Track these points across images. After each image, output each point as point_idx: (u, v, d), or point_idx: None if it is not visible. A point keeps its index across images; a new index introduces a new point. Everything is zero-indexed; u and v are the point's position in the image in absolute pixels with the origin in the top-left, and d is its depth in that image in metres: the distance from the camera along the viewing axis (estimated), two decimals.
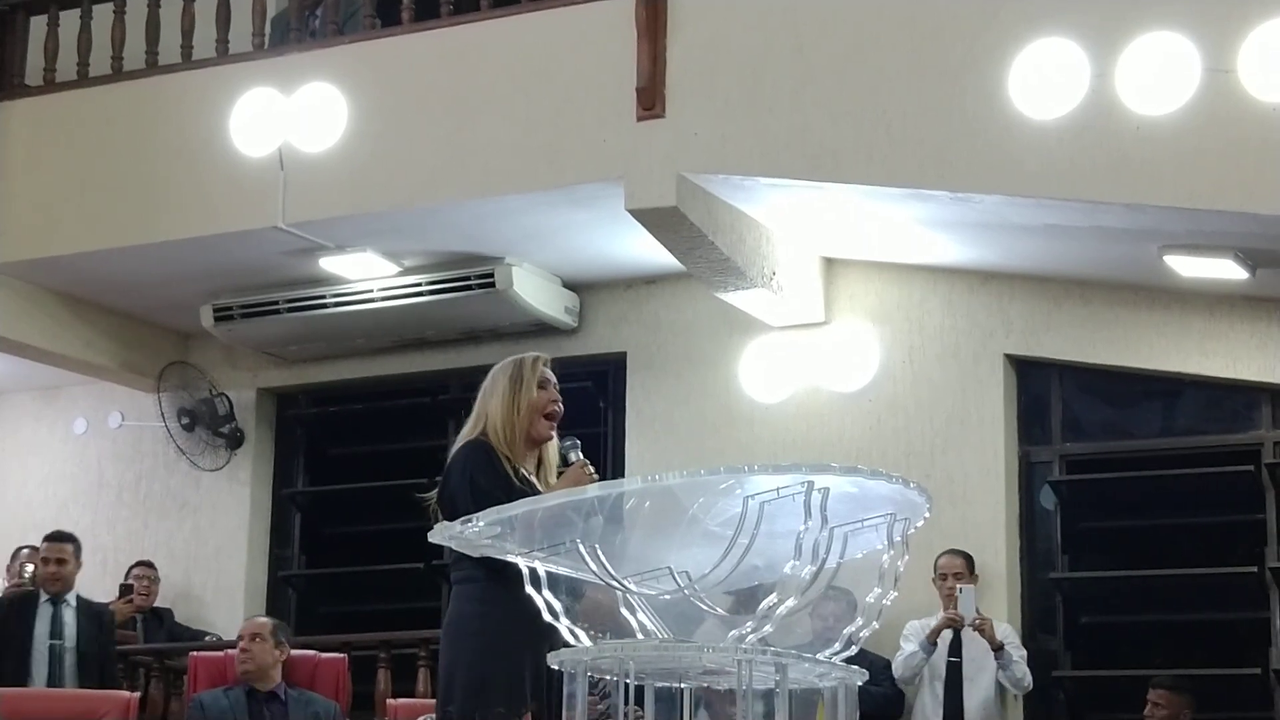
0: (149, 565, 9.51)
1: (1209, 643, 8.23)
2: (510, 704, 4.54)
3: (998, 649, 7.63)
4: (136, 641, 8.95)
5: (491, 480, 4.64)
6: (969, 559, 7.90)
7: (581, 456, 4.79)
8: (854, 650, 3.41)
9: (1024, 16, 6.96)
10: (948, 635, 7.76)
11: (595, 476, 4.71)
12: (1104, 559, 8.53)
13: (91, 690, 7.48)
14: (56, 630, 7.82)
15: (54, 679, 7.71)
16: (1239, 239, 7.07)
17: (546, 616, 3.46)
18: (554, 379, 4.95)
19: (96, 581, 9.85)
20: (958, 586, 7.67)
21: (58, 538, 8.13)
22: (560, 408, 4.90)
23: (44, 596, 7.95)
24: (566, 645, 3.45)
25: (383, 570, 9.57)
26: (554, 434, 4.88)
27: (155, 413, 9.84)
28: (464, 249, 8.59)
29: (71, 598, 7.99)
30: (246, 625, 7.38)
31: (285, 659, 7.15)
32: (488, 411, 4.84)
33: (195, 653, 7.75)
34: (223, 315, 9.26)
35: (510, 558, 3.55)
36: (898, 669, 7.74)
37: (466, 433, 4.86)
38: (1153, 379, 8.22)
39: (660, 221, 7.59)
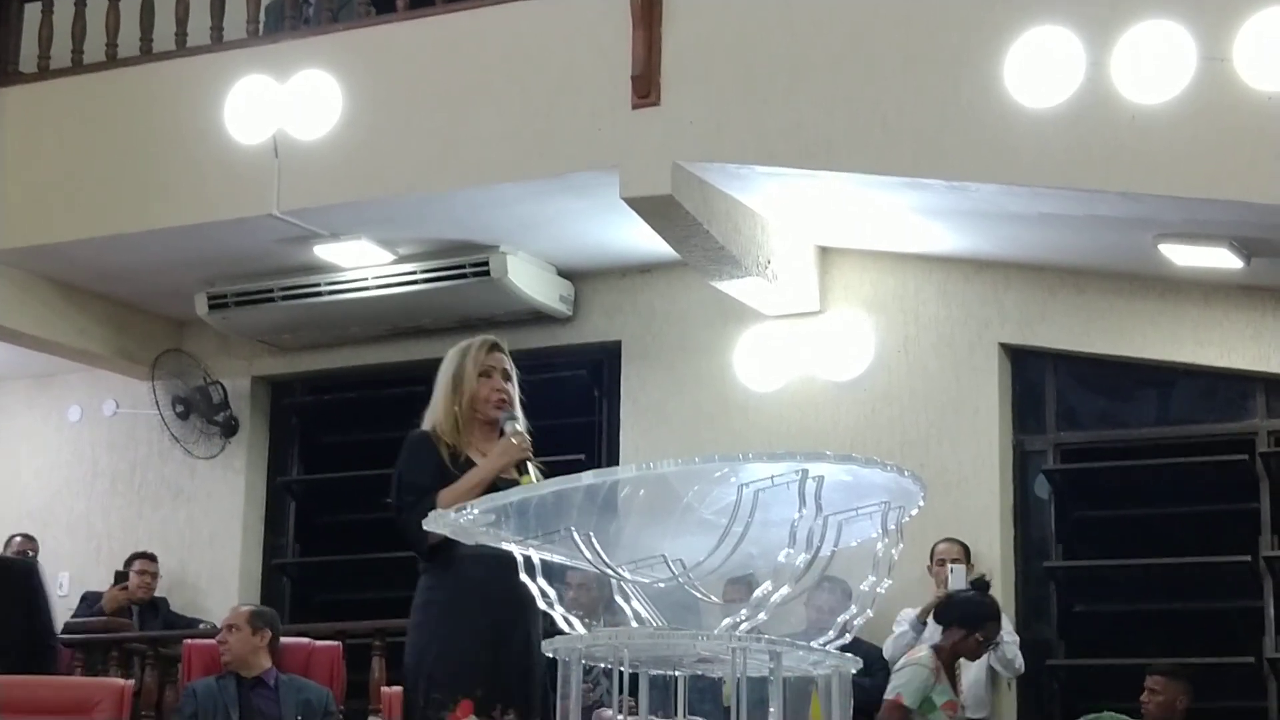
0: (151, 558, 9.46)
1: (1203, 632, 8.23)
2: (448, 690, 4.53)
3: None
4: (132, 629, 8.95)
5: (415, 474, 4.70)
6: (965, 548, 7.91)
7: (516, 428, 4.74)
8: (848, 639, 3.40)
9: (1019, 5, 6.96)
10: None
11: (525, 447, 4.68)
12: (1098, 548, 8.54)
13: (88, 678, 7.45)
14: None
15: None
16: (1234, 228, 7.07)
17: (541, 604, 3.45)
18: (501, 363, 4.87)
19: (91, 569, 9.89)
20: (949, 565, 7.70)
21: None
22: (507, 395, 4.84)
23: None
24: (559, 632, 3.44)
25: (377, 558, 9.57)
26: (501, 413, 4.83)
27: (150, 400, 9.83)
28: (459, 237, 8.59)
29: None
30: (225, 617, 7.39)
31: (269, 644, 7.14)
32: (435, 402, 4.86)
33: (189, 640, 7.75)
34: (217, 303, 9.25)
35: (505, 545, 3.54)
36: (888, 649, 7.75)
37: (424, 422, 4.89)
38: (1147, 368, 8.22)
39: (655, 210, 7.58)
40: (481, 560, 4.49)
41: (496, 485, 4.56)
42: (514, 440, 4.69)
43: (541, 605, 3.44)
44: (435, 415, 4.83)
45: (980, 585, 7.28)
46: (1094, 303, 8.14)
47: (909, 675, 6.84)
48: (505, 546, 3.53)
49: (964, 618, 6.98)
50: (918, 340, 8.45)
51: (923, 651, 7.02)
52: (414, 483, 4.68)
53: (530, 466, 4.68)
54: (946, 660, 6.97)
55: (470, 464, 4.71)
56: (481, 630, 4.58)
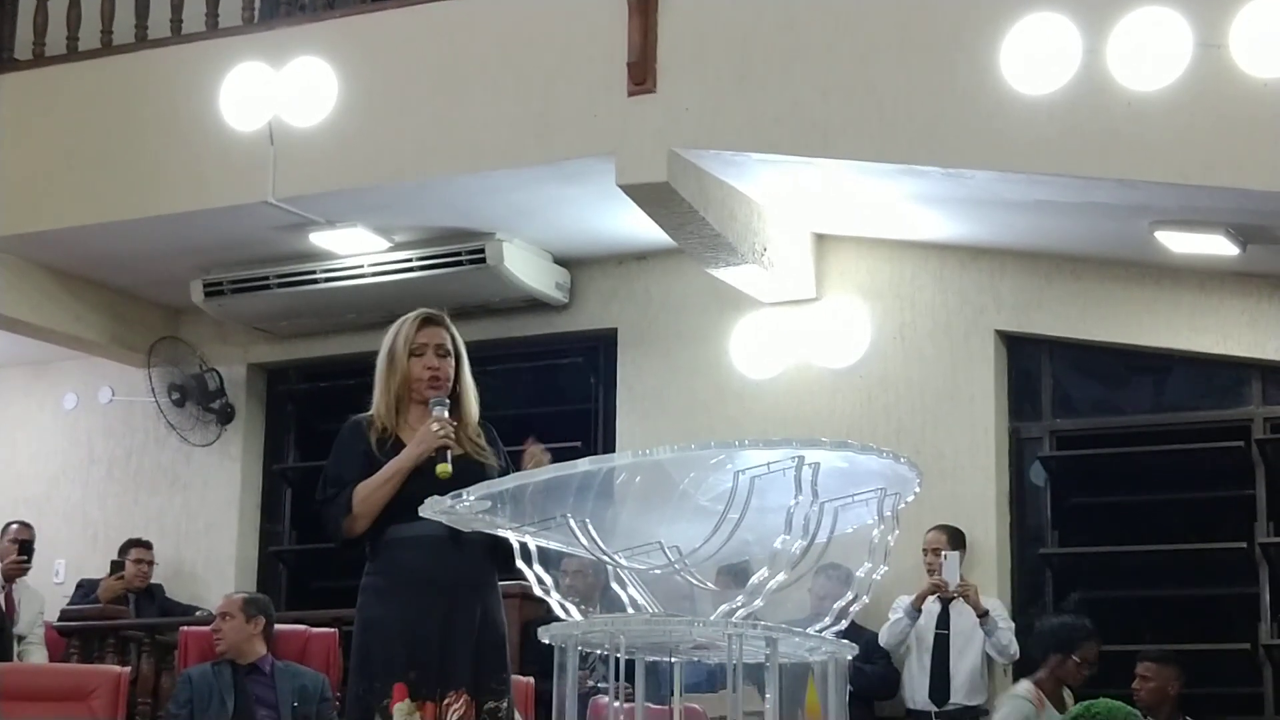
0: (146, 546, 9.43)
1: (1198, 618, 8.25)
2: (384, 676, 4.47)
3: (982, 615, 7.67)
4: (128, 617, 8.94)
5: (339, 466, 4.63)
6: (956, 534, 7.91)
7: (441, 413, 4.56)
8: (844, 625, 3.41)
9: None
10: (936, 609, 7.80)
11: (444, 434, 4.52)
12: (1094, 535, 8.54)
13: (84, 665, 7.45)
14: None
15: None
16: (1230, 214, 7.07)
17: (537, 590, 3.45)
18: (435, 338, 4.65)
19: (87, 557, 9.88)
20: (942, 553, 7.71)
21: None
22: (442, 373, 4.63)
23: None
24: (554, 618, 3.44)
25: None
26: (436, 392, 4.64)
27: (145, 388, 9.83)
28: (454, 224, 8.58)
29: None
30: (218, 605, 7.37)
31: (264, 632, 7.14)
32: (375, 383, 4.71)
33: (185, 628, 7.74)
34: (213, 290, 9.25)
35: (502, 533, 3.54)
36: (883, 637, 7.77)
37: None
38: (1143, 355, 8.23)
39: (651, 197, 7.58)
40: (414, 544, 4.48)
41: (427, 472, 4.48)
42: (434, 427, 4.54)
43: (538, 591, 3.44)
44: (375, 399, 4.71)
45: (1070, 608, 7.24)
46: (1090, 290, 8.14)
47: (1008, 709, 6.82)
48: (502, 534, 3.53)
49: (1058, 643, 6.95)
50: (914, 327, 8.45)
51: (1022, 685, 6.99)
52: (336, 475, 4.62)
53: (450, 454, 4.52)
54: (1050, 689, 6.94)
55: (399, 445, 4.60)
56: (415, 614, 4.49)
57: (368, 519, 4.55)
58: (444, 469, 4.47)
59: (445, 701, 4.44)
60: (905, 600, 7.80)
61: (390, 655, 4.49)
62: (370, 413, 4.71)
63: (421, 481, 4.42)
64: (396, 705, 4.42)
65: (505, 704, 4.54)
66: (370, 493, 4.54)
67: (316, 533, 10.01)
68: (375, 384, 4.72)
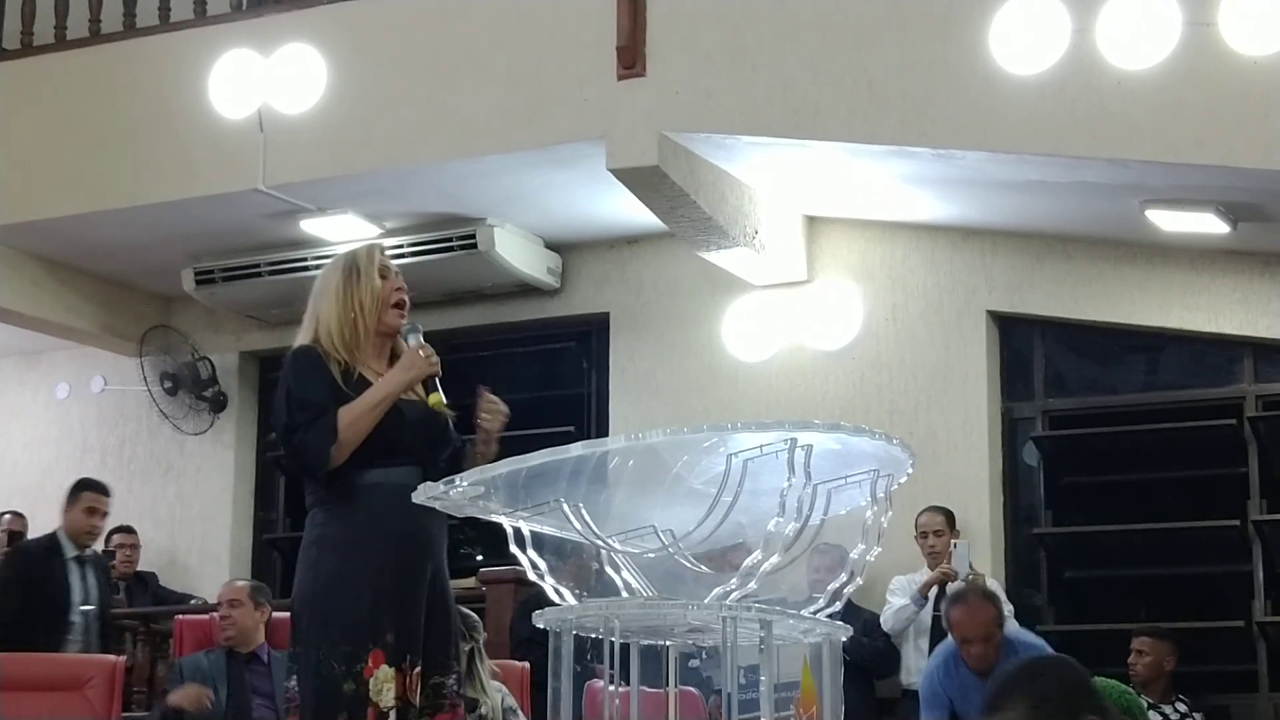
0: (129, 531, 9.44)
1: (1192, 596, 8.27)
2: (356, 639, 4.11)
3: None
4: (122, 606, 8.94)
5: (308, 390, 4.25)
6: (949, 515, 7.92)
7: (420, 340, 4.31)
8: (838, 606, 3.41)
9: None
10: (933, 591, 7.79)
11: (433, 361, 4.29)
12: (1087, 514, 8.56)
13: (80, 654, 7.46)
14: (86, 594, 7.59)
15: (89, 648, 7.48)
16: (1220, 193, 7.07)
17: (531, 575, 3.44)
18: (395, 266, 4.45)
19: None
20: (952, 542, 7.71)
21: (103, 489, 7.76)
22: (406, 296, 4.38)
23: (71, 551, 7.62)
24: (549, 596, 3.43)
25: None
26: (403, 321, 4.37)
27: (138, 377, 9.83)
28: (445, 210, 8.57)
29: (90, 551, 7.70)
30: (224, 591, 7.32)
31: (268, 619, 7.14)
32: (319, 314, 4.37)
33: (180, 616, 7.74)
34: (204, 278, 9.24)
35: (495, 518, 3.53)
36: (887, 622, 7.76)
37: (297, 340, 4.42)
38: (1135, 334, 8.24)
39: (642, 181, 7.57)
40: (396, 492, 4.03)
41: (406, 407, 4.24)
42: (421, 353, 4.25)
43: (531, 576, 3.43)
44: (324, 326, 4.34)
45: None
46: (1081, 269, 8.15)
47: None
48: (495, 519, 3.53)
49: None
50: (906, 309, 8.45)
51: None
52: (309, 399, 4.22)
53: (439, 384, 4.26)
54: None
55: (364, 383, 4.26)
56: (388, 569, 4.15)
57: (352, 448, 4.19)
58: (437, 399, 4.23)
59: (415, 670, 4.17)
60: (903, 580, 7.79)
61: (363, 616, 4.13)
62: (307, 343, 4.35)
63: (399, 419, 4.21)
64: (375, 672, 4.09)
65: (452, 679, 4.26)
66: (357, 418, 4.19)
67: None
68: (323, 312, 4.38)
